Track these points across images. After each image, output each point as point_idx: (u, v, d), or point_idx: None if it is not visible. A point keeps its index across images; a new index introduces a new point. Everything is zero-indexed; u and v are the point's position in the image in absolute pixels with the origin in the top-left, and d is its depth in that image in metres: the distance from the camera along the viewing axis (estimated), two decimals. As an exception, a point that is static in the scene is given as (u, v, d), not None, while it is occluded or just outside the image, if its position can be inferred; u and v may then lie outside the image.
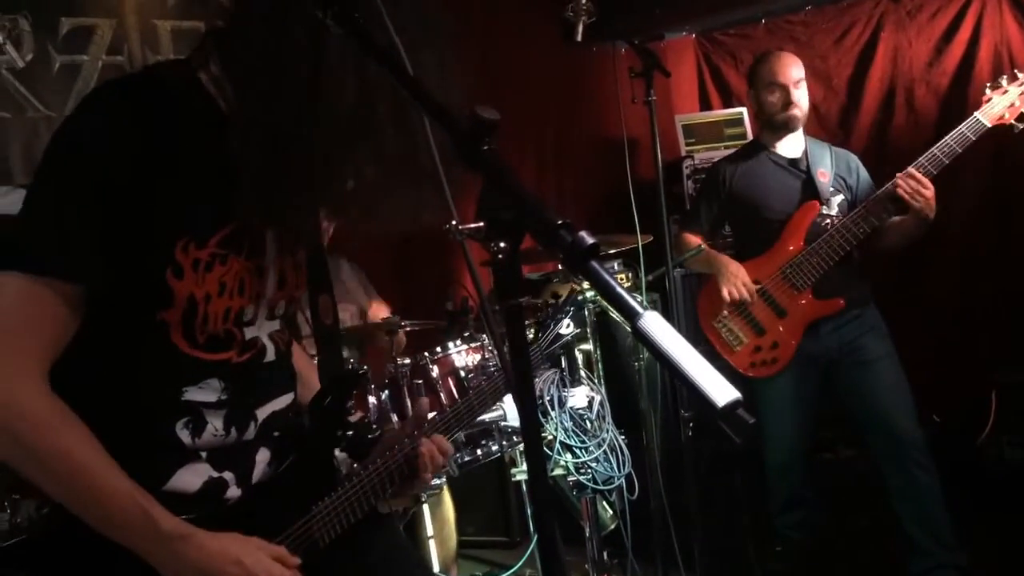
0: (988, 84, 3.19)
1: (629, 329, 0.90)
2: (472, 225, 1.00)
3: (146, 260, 1.32)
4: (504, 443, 2.91)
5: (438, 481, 2.95)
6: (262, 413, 1.51)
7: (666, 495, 3.09)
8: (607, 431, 2.91)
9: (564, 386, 2.90)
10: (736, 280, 3.21)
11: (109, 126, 1.29)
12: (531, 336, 2.36)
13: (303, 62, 1.22)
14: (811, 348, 3.21)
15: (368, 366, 2.98)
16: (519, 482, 3.55)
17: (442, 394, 2.88)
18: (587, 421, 2.91)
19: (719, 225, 3.55)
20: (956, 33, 4.71)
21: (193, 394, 1.41)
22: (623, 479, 2.91)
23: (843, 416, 3.42)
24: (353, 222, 1.43)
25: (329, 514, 1.54)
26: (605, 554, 3.04)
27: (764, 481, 3.37)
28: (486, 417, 2.80)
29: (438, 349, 2.96)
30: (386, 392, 2.92)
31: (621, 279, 3.70)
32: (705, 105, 5.60)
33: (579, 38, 3.11)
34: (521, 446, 2.96)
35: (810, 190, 3.25)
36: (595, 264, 0.91)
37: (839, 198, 3.25)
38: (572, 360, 2.92)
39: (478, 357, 2.96)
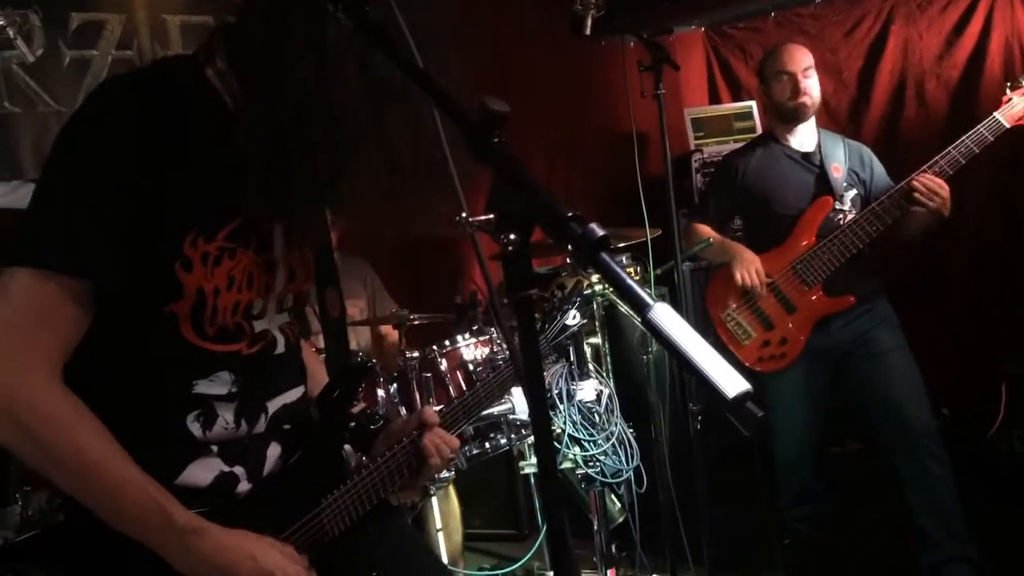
0: (1008, 84, 3.16)
1: (639, 321, 0.90)
2: (482, 218, 1.00)
3: (155, 254, 1.32)
4: (513, 436, 2.91)
5: (447, 474, 2.95)
6: (273, 406, 1.52)
7: (675, 488, 3.10)
8: (615, 424, 2.91)
9: (572, 379, 2.90)
10: (750, 266, 3.19)
11: (117, 120, 1.29)
12: (538, 328, 2.36)
13: (309, 58, 1.22)
14: (821, 343, 3.19)
15: (377, 359, 2.99)
16: (527, 475, 3.55)
17: (451, 387, 2.88)
18: (595, 414, 2.91)
19: (729, 218, 3.53)
20: (967, 26, 4.69)
21: (204, 387, 1.41)
22: (631, 472, 2.90)
23: (851, 410, 3.41)
24: (361, 217, 1.43)
25: (338, 507, 1.55)
26: (613, 547, 3.04)
27: (774, 474, 3.37)
28: (494, 410, 2.80)
29: (447, 342, 2.96)
30: (394, 385, 2.92)
31: (630, 273, 3.69)
32: (714, 99, 5.58)
33: (588, 32, 3.10)
34: (530, 439, 2.96)
35: (823, 185, 3.24)
36: (605, 256, 0.90)
37: (852, 193, 3.24)
38: (580, 353, 2.92)
39: (487, 350, 2.96)
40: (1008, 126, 3.04)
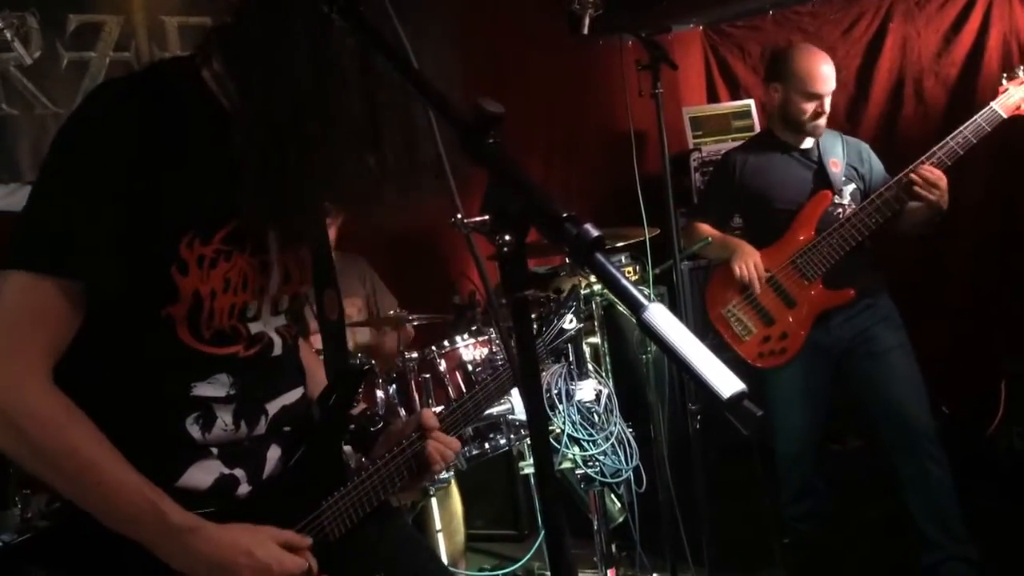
0: (1004, 74, 3.16)
1: (635, 321, 0.90)
2: (477, 218, 1.00)
3: (151, 256, 1.32)
4: (512, 437, 2.91)
5: (447, 475, 2.96)
6: (272, 408, 1.52)
7: (674, 488, 3.10)
8: (615, 424, 2.91)
9: (572, 379, 2.90)
10: (749, 259, 3.18)
11: (113, 122, 1.30)
12: (535, 331, 2.36)
13: (305, 58, 1.22)
14: (822, 339, 3.19)
15: (375, 361, 2.99)
16: (527, 476, 3.55)
17: (450, 388, 2.89)
18: (595, 414, 2.91)
19: (729, 215, 3.53)
20: (965, 23, 4.69)
21: (202, 389, 1.42)
22: (631, 472, 2.91)
23: (852, 407, 3.41)
24: (357, 216, 1.43)
25: (339, 509, 1.55)
26: (613, 547, 3.04)
27: (773, 473, 3.37)
28: (494, 411, 2.80)
29: (445, 343, 2.96)
30: (394, 386, 2.92)
31: (628, 272, 3.69)
32: (713, 97, 5.58)
33: (585, 31, 3.10)
34: (529, 439, 2.96)
35: (822, 179, 3.24)
36: (600, 257, 0.91)
37: (851, 187, 3.24)
38: (580, 353, 2.92)
39: (485, 351, 2.96)
40: (1005, 116, 3.03)
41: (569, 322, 2.34)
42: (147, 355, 1.39)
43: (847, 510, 3.62)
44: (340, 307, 1.65)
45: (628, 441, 2.92)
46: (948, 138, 3.03)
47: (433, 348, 2.94)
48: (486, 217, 1.00)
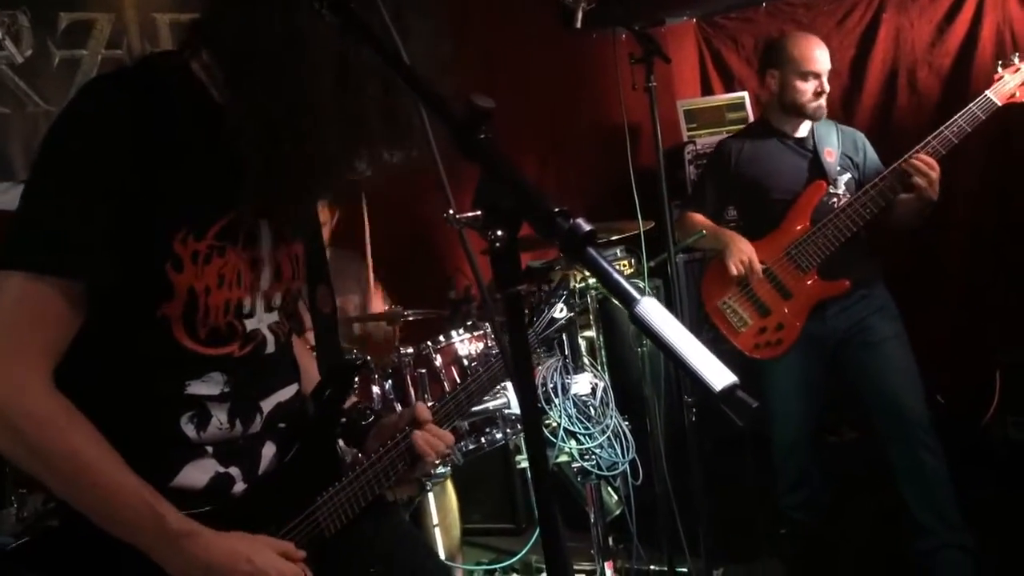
0: (999, 62, 3.16)
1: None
2: (469, 214, 1.00)
3: (146, 253, 1.31)
4: (508, 431, 2.91)
5: (443, 469, 2.96)
6: (267, 405, 1.52)
7: (670, 480, 3.10)
8: (611, 417, 2.91)
9: (567, 373, 2.90)
10: (742, 255, 3.19)
11: (105, 118, 1.29)
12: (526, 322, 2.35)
13: (292, 51, 1.22)
14: (817, 330, 3.19)
15: (370, 356, 2.98)
16: (524, 469, 3.55)
17: (446, 383, 2.88)
18: (591, 408, 2.91)
19: (724, 205, 3.52)
20: (958, 14, 4.70)
21: (196, 388, 1.41)
22: (627, 465, 2.91)
23: (847, 397, 3.41)
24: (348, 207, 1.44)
25: (334, 504, 1.55)
26: (610, 540, 3.04)
27: (769, 464, 3.38)
28: (489, 405, 2.80)
29: (441, 338, 2.96)
30: (390, 382, 2.92)
31: (623, 265, 3.69)
32: (707, 90, 5.57)
33: (578, 25, 3.09)
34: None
35: (817, 169, 3.23)
36: (592, 251, 0.91)
37: (846, 177, 3.24)
38: (575, 347, 2.92)
39: (481, 345, 2.96)
40: (1000, 104, 3.03)
41: (560, 311, 2.33)
42: (142, 355, 1.38)
43: (843, 501, 3.63)
44: (333, 302, 1.65)
45: (624, 434, 2.92)
46: (943, 127, 3.03)
47: (429, 343, 2.93)
48: (478, 212, 1.00)
